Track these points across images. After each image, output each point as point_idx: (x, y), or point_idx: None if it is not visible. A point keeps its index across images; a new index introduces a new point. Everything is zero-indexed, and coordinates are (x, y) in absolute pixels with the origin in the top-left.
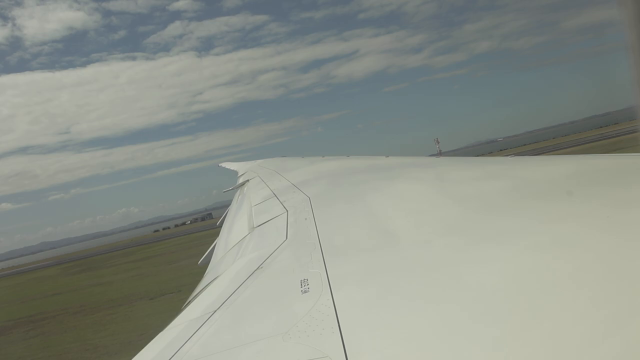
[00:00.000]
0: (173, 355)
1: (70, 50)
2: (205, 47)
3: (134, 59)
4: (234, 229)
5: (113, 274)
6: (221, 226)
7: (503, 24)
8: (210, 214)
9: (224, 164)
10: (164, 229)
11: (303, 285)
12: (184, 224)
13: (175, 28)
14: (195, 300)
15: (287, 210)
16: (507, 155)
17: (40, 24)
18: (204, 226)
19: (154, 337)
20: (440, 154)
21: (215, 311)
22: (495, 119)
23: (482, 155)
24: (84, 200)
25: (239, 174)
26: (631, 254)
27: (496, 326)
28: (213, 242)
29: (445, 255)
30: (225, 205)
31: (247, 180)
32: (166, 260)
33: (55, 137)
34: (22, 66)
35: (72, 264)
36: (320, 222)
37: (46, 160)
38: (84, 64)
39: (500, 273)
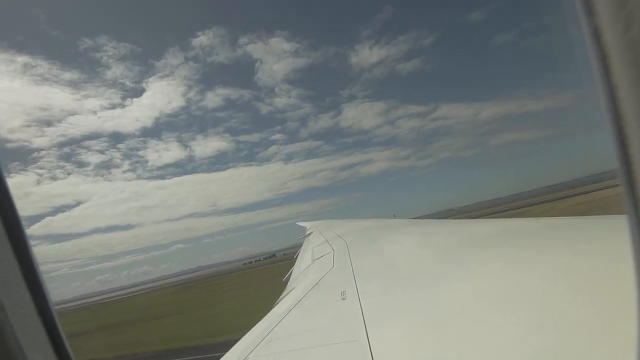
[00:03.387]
0: (266, 335)
1: (217, 162)
2: (289, 158)
3: (250, 165)
4: (303, 260)
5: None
6: (296, 258)
7: (454, 142)
8: (275, 254)
9: (299, 223)
10: (250, 262)
11: (342, 295)
12: (259, 260)
13: (272, 149)
14: (281, 302)
15: (333, 250)
16: (461, 219)
17: (203, 149)
18: (269, 262)
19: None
20: None
21: (292, 309)
22: (452, 195)
23: (445, 218)
24: (221, 243)
25: (307, 228)
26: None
27: (463, 321)
28: (268, 269)
29: (429, 275)
30: (298, 246)
31: (311, 232)
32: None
33: (208, 207)
34: (192, 170)
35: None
36: (353, 257)
37: (202, 220)
38: (224, 169)
39: (459, 289)
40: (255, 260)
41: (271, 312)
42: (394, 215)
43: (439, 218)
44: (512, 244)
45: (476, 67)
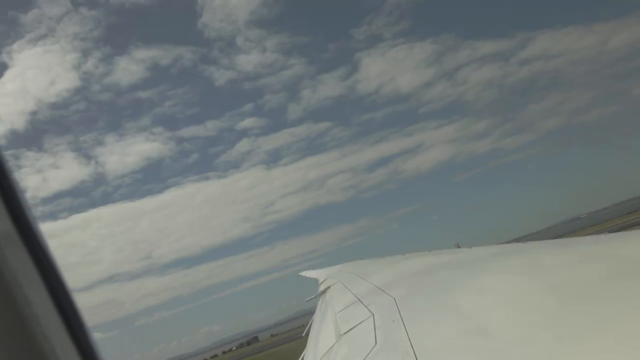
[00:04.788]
0: None
1: (148, 179)
2: (273, 159)
3: (207, 179)
4: (321, 338)
5: None
6: (307, 336)
7: (569, 99)
8: (257, 337)
9: (303, 273)
10: (213, 356)
11: None
12: (231, 350)
13: (243, 145)
14: None
15: (372, 314)
16: (598, 233)
17: (120, 158)
18: (249, 350)
19: None
20: None
21: None
22: (576, 195)
23: (566, 235)
24: (168, 323)
25: (320, 282)
26: None
27: None
28: None
29: (543, 353)
30: (307, 314)
31: (329, 287)
32: None
33: (139, 263)
34: (105, 199)
35: None
36: (410, 324)
37: (131, 286)
38: (161, 190)
39: None
40: (223, 353)
41: None
42: (457, 245)
43: (555, 236)
44: None
45: None
